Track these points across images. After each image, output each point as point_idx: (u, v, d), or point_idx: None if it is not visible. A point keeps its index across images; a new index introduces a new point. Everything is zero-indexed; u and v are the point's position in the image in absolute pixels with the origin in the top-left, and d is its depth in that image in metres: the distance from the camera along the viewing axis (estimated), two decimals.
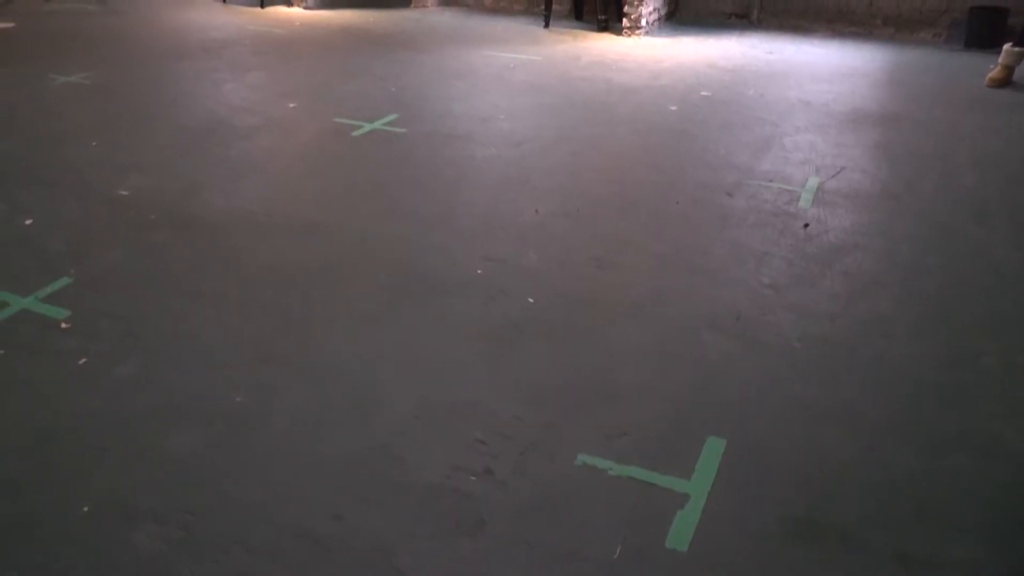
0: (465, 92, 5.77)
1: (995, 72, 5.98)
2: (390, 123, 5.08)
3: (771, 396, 2.62)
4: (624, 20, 7.33)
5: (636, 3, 7.20)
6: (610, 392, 2.63)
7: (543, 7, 7.73)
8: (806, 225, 3.74)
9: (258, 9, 8.50)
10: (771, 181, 4.23)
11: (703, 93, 5.69)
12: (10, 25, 7.76)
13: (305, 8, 8.51)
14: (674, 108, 5.39)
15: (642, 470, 2.29)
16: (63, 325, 3.05)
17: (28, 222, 3.86)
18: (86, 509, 2.20)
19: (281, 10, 8.47)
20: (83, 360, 2.84)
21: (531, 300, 3.14)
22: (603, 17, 7.54)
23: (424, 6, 8.59)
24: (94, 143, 4.83)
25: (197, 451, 2.41)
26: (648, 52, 6.80)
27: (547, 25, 7.67)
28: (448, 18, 8.18)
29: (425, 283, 3.29)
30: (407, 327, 3.01)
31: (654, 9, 7.48)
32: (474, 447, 2.39)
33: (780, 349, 2.86)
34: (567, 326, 3.00)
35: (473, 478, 2.28)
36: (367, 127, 5.01)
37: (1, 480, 2.32)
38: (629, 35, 7.31)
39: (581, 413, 2.54)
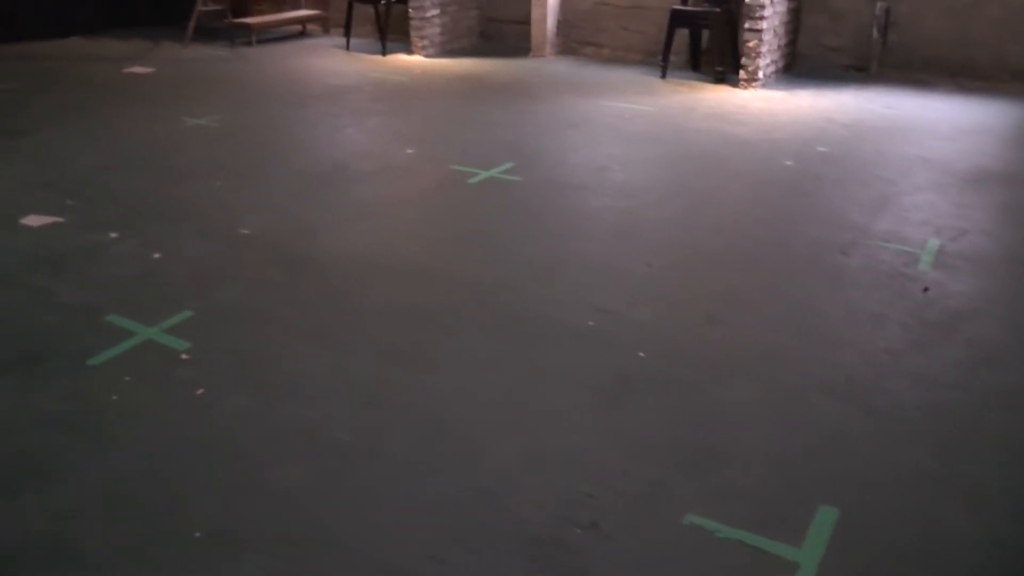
0: (580, 142, 5.85)
1: None
2: (506, 171, 5.19)
3: (887, 466, 2.58)
4: (741, 72, 7.32)
5: (753, 55, 7.20)
6: (720, 452, 2.63)
7: (660, 58, 7.78)
8: (926, 289, 3.67)
9: (380, 57, 8.76)
10: (888, 241, 4.16)
11: (819, 148, 5.64)
12: (150, 70, 8.20)
13: (425, 56, 8.74)
14: (789, 163, 5.36)
15: (751, 534, 2.28)
16: (183, 356, 3.21)
17: (156, 256, 4.08)
18: (198, 535, 2.32)
19: (402, 58, 8.72)
20: (200, 391, 2.99)
21: (642, 354, 3.16)
22: (720, 68, 7.54)
23: (542, 55, 8.73)
24: (219, 183, 5.08)
25: (304, 486, 2.51)
26: (764, 105, 6.77)
27: (664, 76, 7.71)
28: (565, 67, 8.30)
29: (535, 331, 3.35)
30: (516, 374, 3.07)
31: (771, 61, 7.46)
32: (581, 499, 2.42)
33: (897, 417, 2.81)
34: (677, 382, 3.01)
35: (579, 530, 2.31)
36: (483, 175, 5.13)
37: (121, 499, 2.47)
38: (745, 87, 7.30)
39: (690, 471, 2.55)
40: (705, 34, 7.88)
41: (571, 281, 3.79)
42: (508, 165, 5.29)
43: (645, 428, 2.76)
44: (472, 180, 5.06)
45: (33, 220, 4.49)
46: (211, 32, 9.71)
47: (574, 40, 8.87)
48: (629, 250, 4.12)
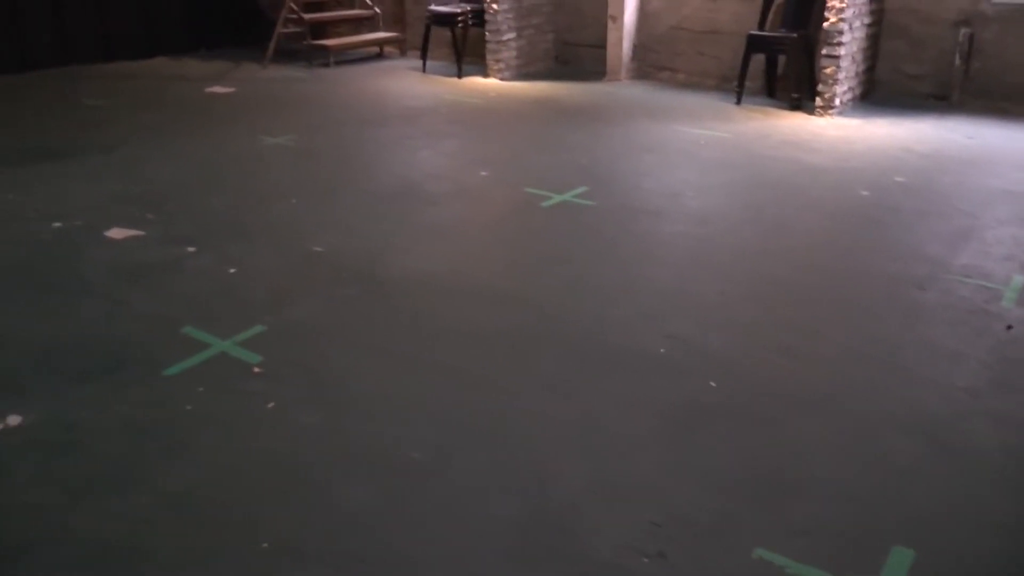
0: (654, 167, 5.83)
1: None
2: (579, 195, 5.19)
3: (965, 509, 2.51)
4: (817, 99, 7.24)
5: (830, 82, 7.11)
6: (791, 486, 2.59)
7: (735, 83, 7.74)
8: (1009, 327, 3.57)
9: (456, 79, 8.86)
10: (968, 276, 4.07)
11: (897, 178, 5.54)
12: (231, 90, 8.40)
13: (501, 79, 8.81)
14: (865, 193, 5.27)
15: (821, 572, 2.24)
16: (256, 370, 3.27)
17: (232, 271, 4.17)
18: (265, 545, 2.36)
19: (478, 81, 8.80)
20: (271, 404, 3.04)
21: (713, 384, 3.13)
22: (796, 95, 7.47)
23: (617, 80, 8.74)
24: (294, 201, 5.17)
25: (370, 503, 2.54)
26: (840, 133, 6.68)
27: (739, 101, 7.66)
28: (640, 92, 8.30)
29: (606, 357, 3.34)
30: (586, 400, 3.06)
31: (848, 88, 7.36)
32: (648, 528, 2.41)
33: (976, 458, 2.74)
34: (749, 413, 2.98)
35: (645, 560, 2.29)
36: (556, 198, 5.14)
37: (192, 507, 2.53)
38: (822, 114, 7.21)
39: (760, 505, 2.51)
40: (781, 60, 7.82)
41: (643, 307, 3.77)
42: (582, 189, 5.30)
43: (715, 458, 2.73)
44: (546, 203, 5.08)
45: (116, 233, 4.62)
46: (290, 54, 9.92)
47: (649, 64, 8.87)
48: (702, 277, 4.09)
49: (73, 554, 2.35)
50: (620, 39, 8.68)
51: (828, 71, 7.12)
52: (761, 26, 7.75)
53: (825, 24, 7.04)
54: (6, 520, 2.49)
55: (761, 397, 3.08)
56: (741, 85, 7.70)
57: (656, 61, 8.83)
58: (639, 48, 8.86)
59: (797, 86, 7.51)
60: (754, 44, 7.60)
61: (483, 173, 5.72)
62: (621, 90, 8.37)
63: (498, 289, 3.98)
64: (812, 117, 7.19)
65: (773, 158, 6.01)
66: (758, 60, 7.78)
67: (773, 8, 7.74)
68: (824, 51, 7.11)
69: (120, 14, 9.84)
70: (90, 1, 9.59)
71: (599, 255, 4.38)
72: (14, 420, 2.96)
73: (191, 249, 4.41)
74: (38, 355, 3.41)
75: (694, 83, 8.57)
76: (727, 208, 5.06)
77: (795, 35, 7.38)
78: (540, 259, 4.36)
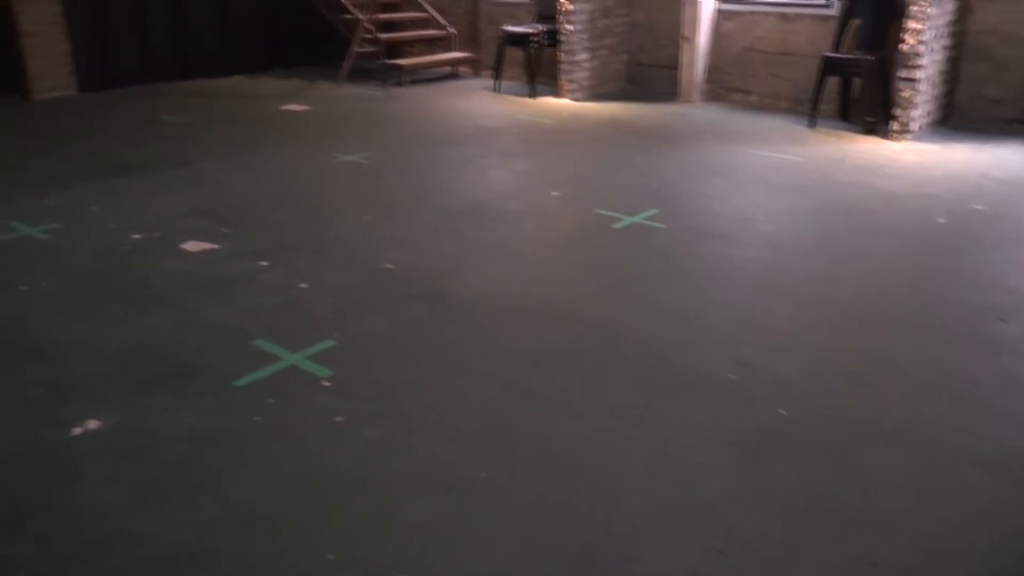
0: (725, 190, 5.78)
1: None
2: (650, 217, 5.17)
3: None
4: (893, 123, 7.11)
5: (907, 105, 6.98)
6: (860, 520, 2.54)
7: (809, 106, 7.64)
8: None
9: (528, 99, 8.90)
10: None
11: (976, 206, 5.41)
12: (306, 108, 8.55)
13: (573, 100, 8.83)
14: (943, 220, 5.15)
15: None
16: (325, 383, 3.31)
17: (303, 285, 4.22)
18: (332, 557, 2.38)
19: (550, 101, 8.83)
20: (340, 418, 3.07)
21: (783, 412, 3.08)
22: (871, 119, 7.35)
23: (689, 101, 8.70)
24: (366, 218, 5.23)
25: (435, 520, 2.54)
26: (916, 158, 6.55)
27: (812, 125, 7.56)
28: (712, 114, 8.24)
29: (674, 381, 3.31)
30: (654, 423, 3.04)
31: (926, 112, 7.22)
32: (713, 556, 2.38)
33: None
34: (819, 443, 2.92)
35: None
36: (627, 220, 5.12)
37: (259, 516, 2.56)
38: (897, 139, 7.08)
39: (828, 536, 2.46)
40: (856, 82, 7.71)
41: (713, 332, 3.74)
42: (652, 211, 5.27)
43: (784, 488, 2.68)
44: (616, 225, 5.06)
45: (192, 246, 4.72)
46: (365, 73, 10.06)
47: (722, 86, 8.82)
48: (773, 303, 4.03)
49: (141, 557, 2.40)
50: (693, 60, 8.64)
51: (905, 95, 7.00)
52: (836, 48, 7.66)
53: (903, 46, 6.92)
54: (81, 520, 2.56)
55: (832, 426, 3.02)
56: (815, 108, 7.61)
57: (728, 83, 8.78)
58: (712, 69, 8.81)
59: (872, 110, 7.39)
60: (829, 66, 7.50)
61: (554, 193, 5.73)
62: (693, 112, 8.33)
63: (567, 310, 3.97)
64: (887, 142, 7.07)
65: (847, 183, 5.91)
66: (832, 82, 7.68)
67: (849, 30, 7.64)
68: (901, 74, 6.99)
69: (200, 34, 10.10)
70: (172, 22, 9.86)
71: (669, 278, 4.36)
72: (93, 424, 3.04)
73: (264, 263, 4.49)
74: (115, 361, 3.50)
75: (767, 105, 8.49)
76: (799, 233, 4.98)
77: (871, 57, 7.26)
78: (610, 281, 4.35)
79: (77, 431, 3.00)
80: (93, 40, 9.24)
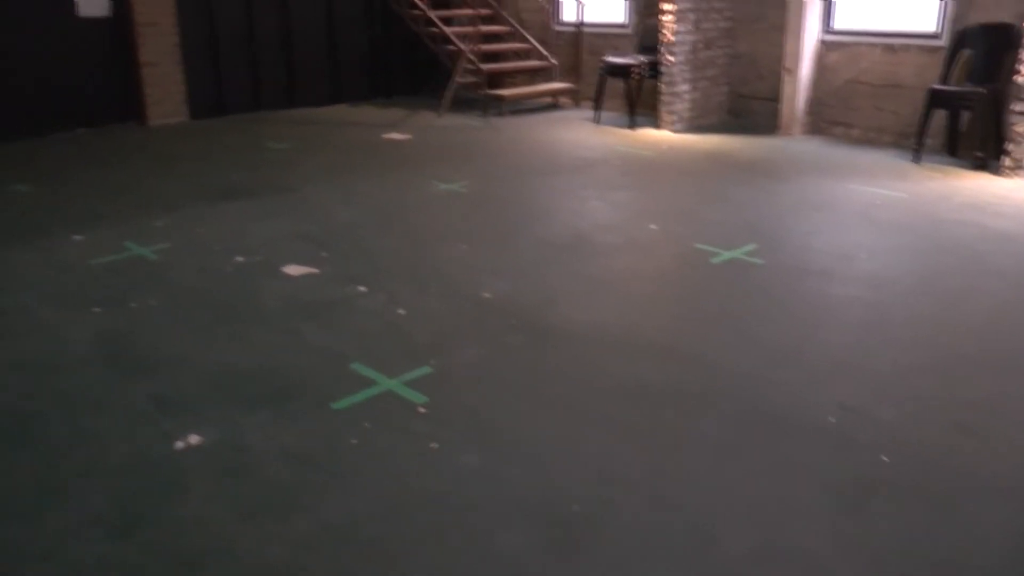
0: (826, 226, 5.67)
1: None
2: (749, 252, 5.10)
3: None
4: (1004, 159, 6.89)
5: (1020, 141, 6.76)
6: (965, 573, 2.44)
7: (914, 140, 7.46)
8: None
9: (628, 130, 8.89)
10: None
11: None
12: (407, 137, 8.71)
13: (673, 132, 8.80)
14: None
15: None
16: (420, 410, 3.34)
17: (401, 312, 4.28)
18: None
19: (650, 132, 8.81)
20: (434, 444, 3.09)
21: (885, 458, 2.99)
22: (980, 155, 7.13)
23: (789, 134, 8.58)
24: (464, 247, 5.28)
25: (529, 551, 2.53)
26: None
27: (917, 160, 7.38)
28: (813, 147, 8.11)
29: (772, 421, 3.25)
30: (751, 464, 2.98)
31: None
32: None
33: None
34: (923, 493, 2.82)
35: None
36: (726, 255, 5.07)
37: (352, 538, 2.60)
38: (1010, 175, 6.85)
39: None
40: (965, 116, 7.49)
41: (813, 372, 3.65)
42: (751, 246, 5.20)
43: (885, 538, 2.59)
44: (714, 260, 5.01)
45: (292, 269, 4.84)
46: (466, 103, 10.20)
47: (824, 119, 8.67)
48: (875, 345, 3.92)
49: (236, 572, 2.45)
50: (795, 92, 8.54)
51: (1019, 129, 6.77)
52: (944, 80, 7.46)
53: (1018, 78, 6.71)
54: (180, 533, 2.63)
55: (936, 476, 2.91)
56: (920, 142, 7.42)
57: (831, 116, 8.63)
58: (814, 102, 8.68)
59: (982, 144, 7.17)
60: (936, 99, 7.32)
61: (652, 226, 5.70)
62: (794, 145, 8.21)
63: (665, 344, 3.94)
64: (998, 178, 6.85)
65: (954, 221, 5.74)
66: (939, 116, 7.49)
67: (959, 61, 7.44)
68: (1015, 107, 6.77)
69: (306, 64, 10.40)
70: (280, 53, 10.18)
71: (767, 315, 4.28)
72: (194, 439, 3.12)
73: (363, 289, 4.57)
74: (218, 379, 3.60)
75: (870, 139, 8.32)
76: (903, 273, 4.85)
77: (983, 90, 7.06)
78: (708, 316, 4.30)
79: (180, 445, 3.09)
80: (205, 70, 9.60)
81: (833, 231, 5.57)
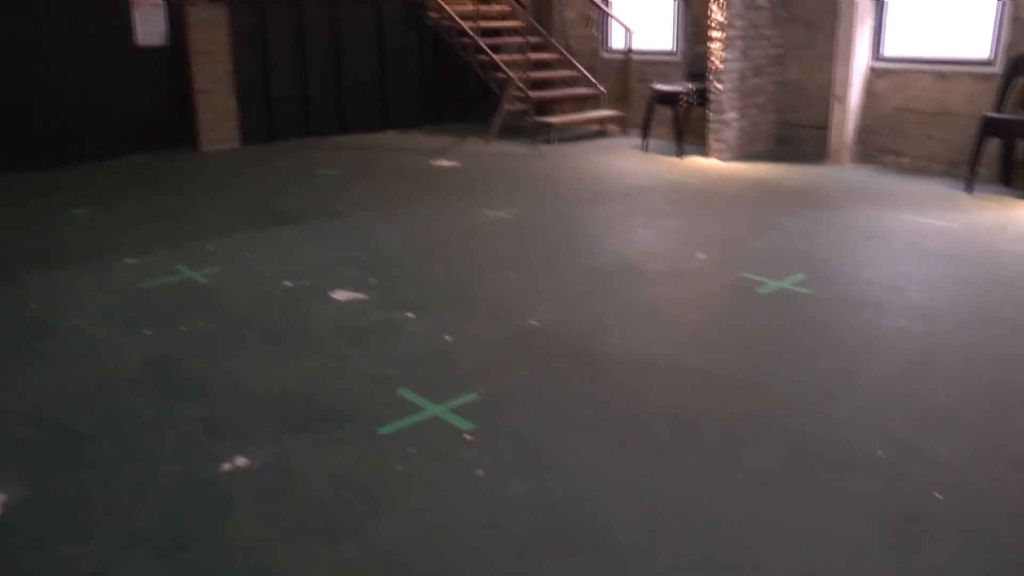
0: (876, 256, 5.60)
1: None
2: (797, 283, 5.05)
3: None
4: None
5: None
6: None
7: (966, 169, 7.35)
8: None
9: (676, 158, 8.87)
10: None
11: None
12: (456, 164, 8.78)
13: (721, 159, 8.76)
14: None
15: None
16: (467, 436, 3.34)
17: (448, 338, 4.29)
18: None
19: (698, 160, 8.78)
20: (480, 471, 3.09)
21: (938, 495, 2.93)
22: None
23: (839, 162, 8.50)
24: (512, 273, 5.29)
25: None
26: None
27: (970, 189, 7.27)
28: (862, 176, 8.03)
29: (820, 453, 3.21)
30: (799, 496, 2.94)
31: None
32: None
33: None
34: (978, 530, 2.76)
35: None
36: (773, 285, 5.02)
37: (397, 563, 2.61)
38: None
39: None
40: (1020, 145, 7.37)
41: (862, 405, 3.60)
42: (799, 276, 5.15)
43: (938, 574, 2.54)
44: (762, 290, 4.97)
45: (341, 294, 4.88)
46: (514, 130, 10.25)
47: (873, 147, 8.59)
48: (926, 378, 3.86)
49: None
50: (844, 120, 8.48)
51: None
52: (998, 107, 7.36)
53: None
54: (226, 554, 2.65)
55: (993, 515, 2.85)
56: (973, 171, 7.31)
57: (880, 144, 8.55)
58: (863, 130, 8.61)
59: None
60: (990, 127, 7.22)
61: (700, 255, 5.67)
62: (842, 173, 8.14)
63: (712, 374, 3.91)
64: None
65: (1009, 252, 5.64)
66: (992, 144, 7.37)
67: (1013, 88, 7.32)
68: None
69: (355, 91, 10.53)
70: (330, 80, 10.34)
71: (816, 346, 4.23)
72: (241, 461, 3.15)
73: (410, 314, 4.59)
74: (264, 402, 3.64)
75: (920, 168, 8.22)
76: (955, 305, 4.77)
77: None
78: (756, 346, 4.26)
79: (227, 467, 3.12)
80: (258, 97, 9.77)
81: (883, 261, 5.50)
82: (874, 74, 8.47)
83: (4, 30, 8.19)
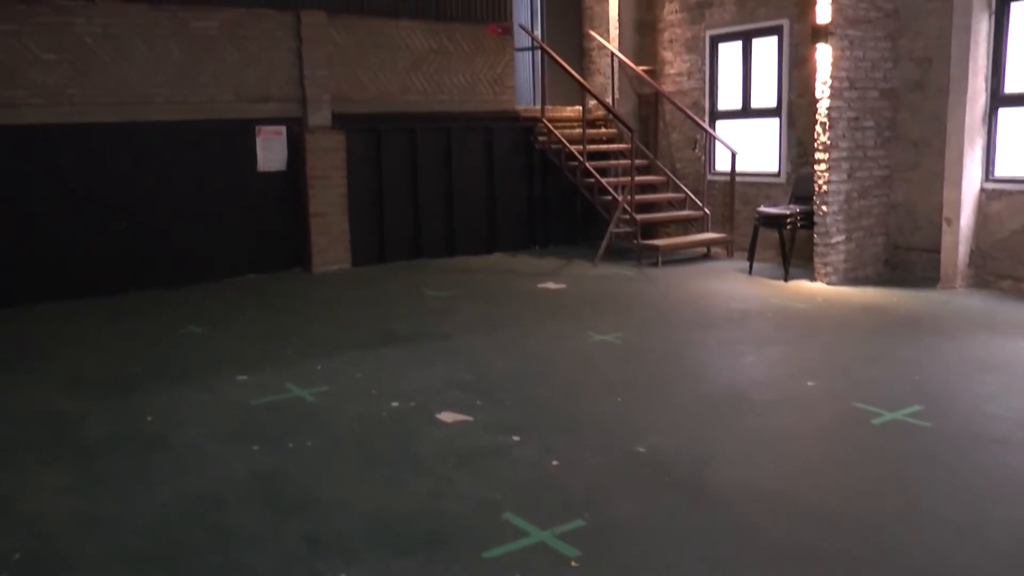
0: (999, 388, 5.36)
1: None
2: (913, 414, 4.87)
3: None
4: None
5: None
6: None
7: None
8: None
9: (781, 282, 8.77)
10: None
11: None
12: (562, 286, 8.86)
13: (827, 284, 8.62)
14: None
15: None
16: (573, 563, 3.30)
17: (554, 463, 4.26)
18: None
19: (804, 284, 8.66)
20: None
21: None
22: None
23: (952, 287, 8.27)
24: (619, 399, 5.26)
25: None
26: None
27: None
28: (978, 301, 7.78)
29: None
30: None
31: None
32: None
33: None
34: None
35: None
36: (887, 416, 4.86)
37: None
38: None
39: None
40: None
41: (993, 551, 3.40)
42: (916, 407, 4.97)
43: None
44: (876, 421, 4.81)
45: (447, 416, 4.92)
46: (620, 252, 10.33)
47: (989, 272, 8.33)
48: None
49: None
50: (956, 243, 8.28)
51: None
52: None
53: None
54: None
55: None
56: None
57: (997, 268, 8.29)
58: (977, 253, 8.38)
59: None
60: None
61: (810, 383, 5.54)
62: (957, 299, 7.90)
63: (827, 510, 3.78)
64: None
65: None
66: None
67: None
68: None
69: (465, 214, 10.81)
70: (441, 202, 10.65)
71: (938, 484, 4.05)
72: None
73: (516, 438, 4.59)
74: (368, 522, 3.67)
75: None
76: None
77: None
78: (872, 481, 4.09)
79: None
80: (370, 219, 10.11)
81: (1007, 394, 5.25)
82: (986, 195, 8.28)
83: (145, 164, 8.79)
